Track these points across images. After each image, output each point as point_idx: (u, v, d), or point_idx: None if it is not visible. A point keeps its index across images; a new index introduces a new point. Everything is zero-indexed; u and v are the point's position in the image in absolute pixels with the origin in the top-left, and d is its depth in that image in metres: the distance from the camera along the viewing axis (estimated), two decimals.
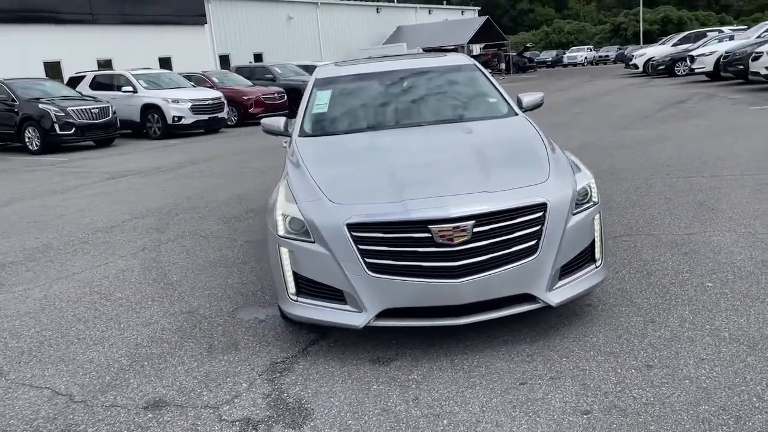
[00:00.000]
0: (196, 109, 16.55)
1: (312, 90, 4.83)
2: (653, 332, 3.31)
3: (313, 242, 3.24)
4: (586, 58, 57.28)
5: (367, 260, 3.13)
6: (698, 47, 23.72)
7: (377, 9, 40.31)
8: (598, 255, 3.48)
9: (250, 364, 3.38)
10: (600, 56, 57.58)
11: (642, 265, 4.30)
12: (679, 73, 24.77)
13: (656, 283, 3.97)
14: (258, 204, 7.40)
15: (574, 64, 56.89)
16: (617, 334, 3.33)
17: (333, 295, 3.26)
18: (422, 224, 3.08)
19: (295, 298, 3.37)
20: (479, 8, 51.94)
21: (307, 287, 3.34)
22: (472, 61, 5.20)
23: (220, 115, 17.32)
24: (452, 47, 33.29)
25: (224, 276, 4.87)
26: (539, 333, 3.42)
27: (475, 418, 2.69)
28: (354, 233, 3.15)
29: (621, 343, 3.22)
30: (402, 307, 3.17)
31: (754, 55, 15.98)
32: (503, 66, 41.49)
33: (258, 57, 32.79)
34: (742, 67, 17.53)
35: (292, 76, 21.51)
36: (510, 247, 3.16)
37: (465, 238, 3.07)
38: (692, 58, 22.33)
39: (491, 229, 3.13)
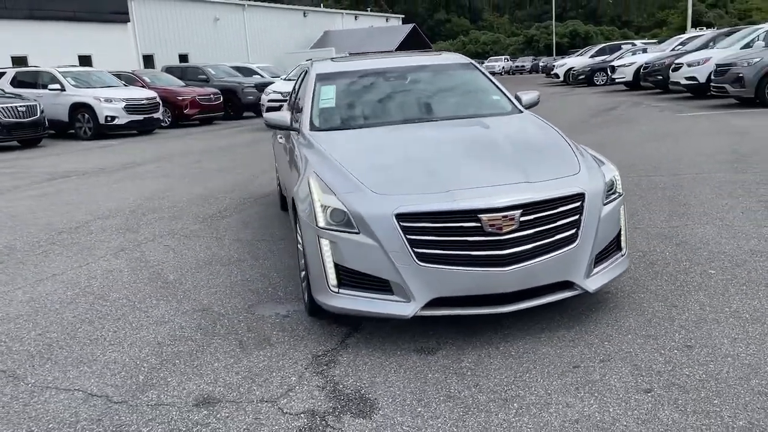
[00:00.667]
0: (130, 108, 15.95)
1: (315, 85, 4.79)
2: (679, 316, 3.49)
3: (358, 233, 3.23)
4: (503, 67, 59.21)
5: (416, 250, 3.15)
6: (615, 59, 25.02)
7: (304, 13, 40.14)
8: (623, 244, 3.64)
9: (290, 358, 3.32)
10: (516, 66, 59.68)
11: (642, 256, 4.52)
12: (599, 83, 26.02)
13: (662, 271, 4.19)
14: (229, 203, 7.24)
15: (493, 73, 58.55)
16: (646, 318, 3.49)
17: (378, 285, 3.25)
18: (472, 213, 3.14)
19: (336, 289, 3.34)
20: (403, 16, 52.65)
21: (350, 278, 3.31)
22: (469, 60, 5.31)
23: (155, 115, 16.77)
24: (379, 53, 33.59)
25: (225, 274, 4.75)
26: (573, 319, 3.53)
27: (543, 400, 2.76)
28: (402, 223, 3.16)
29: (654, 326, 3.38)
30: (449, 297, 3.20)
31: (674, 66, 17.02)
32: None
33: (183, 57, 31.93)
34: (661, 77, 18.63)
35: (226, 78, 21.09)
36: (553, 236, 3.26)
37: (513, 227, 3.15)
38: (613, 69, 23.51)
39: (536, 219, 3.22)
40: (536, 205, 3.21)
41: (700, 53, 16.59)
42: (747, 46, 15.75)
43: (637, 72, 21.26)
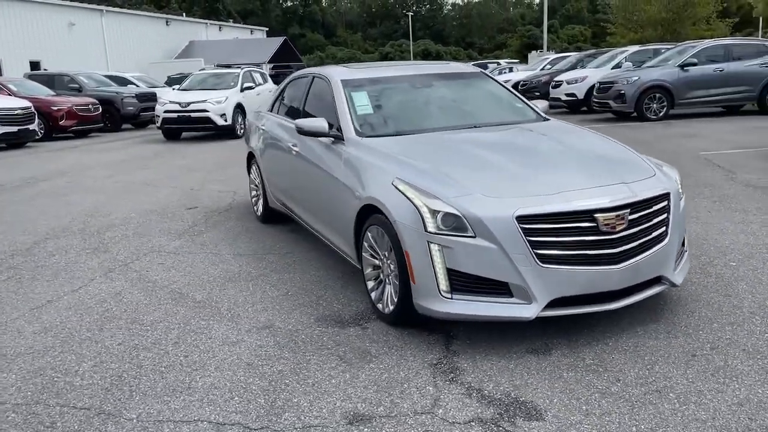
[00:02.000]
0: (3, 119, 14.39)
1: (344, 92, 4.67)
2: (741, 304, 3.82)
3: (474, 236, 3.22)
4: None
5: (537, 251, 3.21)
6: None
7: (167, 21, 38.38)
8: (685, 241, 3.93)
9: (407, 368, 3.23)
10: None
11: None
12: None
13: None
14: (195, 218, 6.80)
15: None
16: (716, 307, 3.79)
17: (496, 288, 3.27)
18: (589, 214, 3.25)
19: (449, 295, 3.30)
20: (267, 29, 52.02)
21: (464, 283, 3.29)
22: (479, 69, 5.44)
23: (30, 126, 15.26)
24: (254, 65, 32.82)
25: (257, 290, 4.48)
26: (651, 313, 3.73)
27: (693, 388, 2.92)
28: (523, 225, 3.20)
29: (730, 314, 3.68)
30: (566, 297, 3.29)
31: (554, 83, 18.37)
32: None
33: (35, 65, 29.31)
34: (539, 93, 20.00)
35: (101, 87, 19.64)
36: (651, 234, 3.46)
37: (623, 226, 3.31)
38: None
39: (639, 217, 3.40)
40: (639, 204, 3.40)
41: (578, 72, 18.06)
42: (617, 66, 17.38)
43: (515, 88, 22.62)
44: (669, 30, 24.26)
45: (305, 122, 4.49)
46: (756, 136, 11.17)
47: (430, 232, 3.29)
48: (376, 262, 3.86)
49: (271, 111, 6.19)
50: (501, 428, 2.68)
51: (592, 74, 17.29)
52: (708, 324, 3.57)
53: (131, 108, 19.05)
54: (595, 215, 3.26)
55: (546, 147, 4.04)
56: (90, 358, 3.49)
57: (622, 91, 14.46)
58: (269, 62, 33.15)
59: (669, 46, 17.42)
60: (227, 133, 15.36)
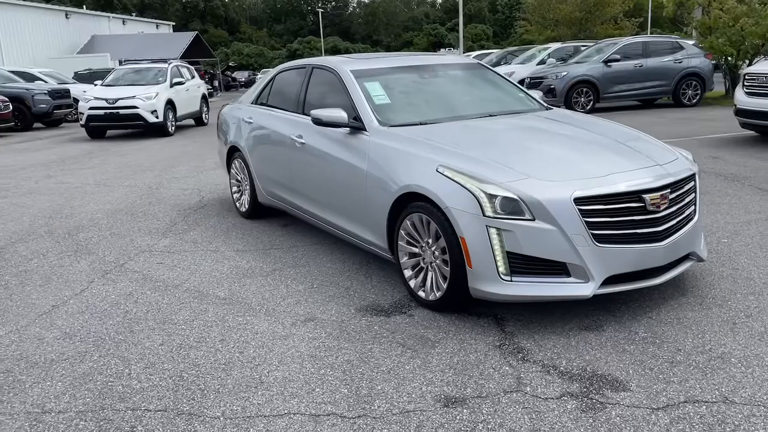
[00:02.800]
0: None
1: (357, 81, 4.65)
2: (751, 275, 4.12)
3: (533, 219, 3.32)
4: None
5: (593, 232, 3.35)
6: None
7: (66, 14, 36.23)
8: None
9: (474, 351, 3.28)
10: None
11: None
12: None
13: None
14: (172, 216, 6.54)
15: None
16: (731, 280, 4.07)
17: (554, 269, 3.37)
18: (638, 194, 3.43)
19: (508, 278, 3.38)
20: (173, 23, 50.20)
21: (522, 265, 3.38)
22: (477, 60, 5.55)
23: None
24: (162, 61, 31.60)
25: (280, 284, 4.39)
26: (677, 288, 3.96)
27: (751, 351, 3.14)
28: (580, 207, 3.33)
29: (746, 285, 3.97)
30: (617, 274, 3.44)
31: None
32: (216, 83, 40.90)
33: None
34: None
35: (9, 84, 18.37)
36: (685, 212, 3.68)
37: (666, 205, 3.51)
38: None
39: (676, 197, 3.62)
40: (676, 184, 3.61)
41: (505, 68, 18.63)
42: (542, 62, 18.09)
43: None
44: (582, 28, 25.56)
45: (322, 113, 4.43)
46: (681, 126, 11.97)
47: (489, 217, 3.35)
48: (415, 249, 3.88)
49: (256, 104, 6.04)
50: (594, 400, 2.78)
51: (519, 70, 17.91)
52: (732, 295, 3.83)
53: (43, 106, 17.94)
54: (644, 195, 3.43)
55: (572, 133, 4.19)
56: (136, 361, 3.32)
57: (552, 86, 15.07)
58: (181, 58, 32.01)
59: (589, 43, 18.30)
60: (157, 130, 14.75)
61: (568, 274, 3.37)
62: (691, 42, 16.26)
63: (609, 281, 3.43)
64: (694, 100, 15.71)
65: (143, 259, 5.09)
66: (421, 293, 3.86)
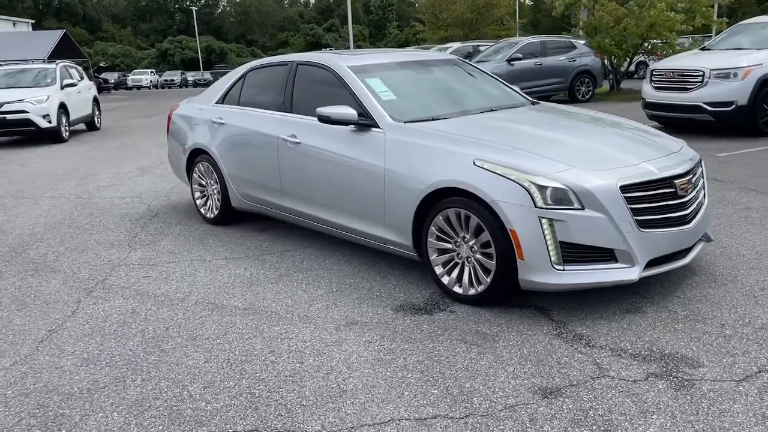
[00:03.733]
0: None
1: (358, 78, 4.54)
2: (748, 254, 4.45)
3: (583, 208, 3.41)
4: (150, 81, 56.90)
5: (636, 218, 3.49)
6: None
7: None
8: None
9: (538, 342, 3.32)
10: (166, 80, 58.00)
11: None
12: None
13: None
14: (126, 227, 6.07)
15: (139, 87, 55.79)
16: (731, 258, 4.37)
17: (601, 256, 3.48)
18: (670, 180, 3.62)
19: (561, 267, 3.44)
20: (32, 21, 46.52)
21: (573, 254, 3.45)
22: (455, 56, 5.59)
23: None
24: (28, 61, 29.20)
25: (297, 290, 4.21)
26: (685, 269, 4.19)
27: None
28: (625, 194, 3.46)
29: (745, 263, 4.27)
30: (656, 257, 3.61)
31: None
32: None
33: None
34: None
35: None
36: (699, 195, 3.93)
37: (690, 189, 3.72)
38: None
39: (693, 182, 3.84)
40: (692, 170, 3.83)
41: None
42: None
43: None
44: (472, 29, 26.51)
45: (330, 110, 4.29)
46: None
47: (541, 208, 3.40)
48: (447, 245, 3.85)
49: (223, 103, 5.74)
50: (680, 378, 2.89)
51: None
52: (737, 271, 4.13)
53: None
54: (675, 181, 3.61)
55: (583, 124, 4.34)
56: (190, 381, 3.06)
57: None
58: (49, 58, 29.73)
59: (488, 43, 18.98)
60: (50, 136, 13.61)
61: (616, 260, 3.48)
62: (582, 42, 17.31)
63: (648, 264, 3.58)
64: (587, 96, 16.74)
65: (124, 274, 4.68)
66: (457, 289, 3.84)
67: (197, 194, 6.09)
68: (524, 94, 5.26)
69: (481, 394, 2.84)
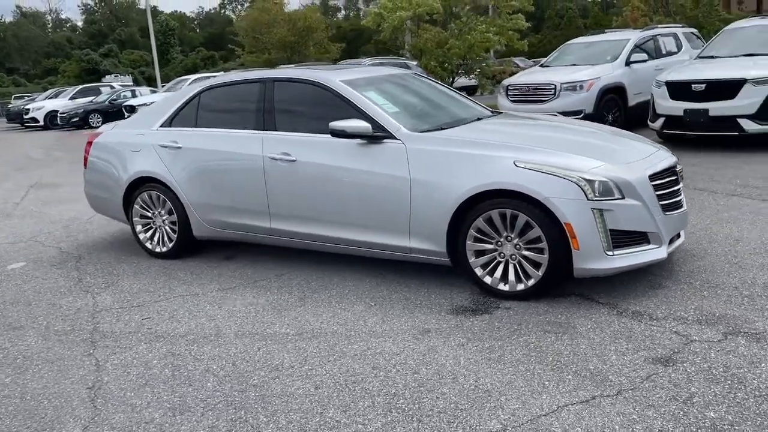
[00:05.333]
0: None
1: (355, 91, 4.54)
2: (717, 239, 5.18)
3: (623, 198, 3.80)
4: None
5: (660, 203, 3.97)
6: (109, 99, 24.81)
7: None
8: None
9: (614, 324, 3.60)
10: None
11: None
12: (95, 125, 25.11)
13: None
14: (63, 272, 5.34)
15: None
16: (708, 233, 5.06)
17: (638, 239, 3.89)
18: (674, 168, 4.16)
19: (611, 253, 3.79)
20: None
21: (618, 240, 3.82)
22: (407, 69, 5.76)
23: None
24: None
25: (336, 308, 4.08)
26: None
27: None
28: (652, 183, 3.93)
29: (729, 249, 4.99)
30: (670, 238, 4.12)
31: None
32: None
33: None
34: None
35: None
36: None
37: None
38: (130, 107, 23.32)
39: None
40: (678, 162, 4.43)
41: None
42: None
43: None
44: (294, 51, 26.66)
45: (344, 124, 4.25)
46: None
47: (592, 200, 3.72)
48: (487, 246, 4.02)
49: (170, 126, 5.33)
50: (750, 334, 3.33)
51: None
52: (709, 245, 4.79)
53: None
54: (676, 168, 4.16)
55: (571, 127, 4.76)
56: (321, 408, 2.89)
57: None
58: None
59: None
60: None
61: (648, 242, 3.91)
62: (414, 63, 18.37)
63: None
64: None
65: (114, 320, 4.17)
66: (503, 287, 4.01)
67: (138, 227, 5.54)
68: (484, 105, 5.60)
69: (610, 371, 3.04)
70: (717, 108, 8.65)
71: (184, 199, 5.14)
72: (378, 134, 4.30)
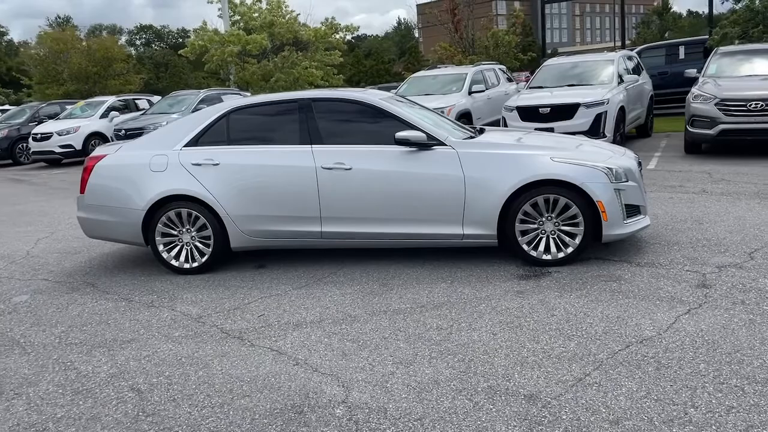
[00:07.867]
0: None
1: (400, 108, 5.40)
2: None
3: (628, 180, 5.18)
4: None
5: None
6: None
7: None
8: None
9: (645, 274, 4.89)
10: None
11: None
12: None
13: None
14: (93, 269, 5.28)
15: None
16: (672, 208, 6.65)
17: (633, 210, 5.24)
18: (640, 161, 5.68)
19: (627, 221, 5.11)
20: None
21: (627, 211, 5.16)
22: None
23: None
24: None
25: (417, 295, 4.85)
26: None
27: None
28: (639, 169, 5.38)
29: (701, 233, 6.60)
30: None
31: (39, 135, 17.10)
32: None
33: None
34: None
35: None
36: None
37: None
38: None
39: None
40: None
41: (69, 122, 17.35)
42: (104, 115, 17.69)
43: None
44: (96, 82, 25.00)
45: (408, 134, 5.07)
46: None
47: (613, 183, 5.02)
48: (531, 226, 5.11)
49: (197, 145, 5.59)
50: (737, 265, 4.84)
51: (85, 124, 17.16)
52: (679, 223, 6.38)
53: None
54: (640, 161, 5.68)
55: (556, 136, 6.07)
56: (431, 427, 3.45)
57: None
58: None
59: (144, 97, 18.77)
60: None
61: (640, 213, 5.30)
62: (248, 94, 18.88)
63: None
64: None
65: (227, 321, 4.46)
66: (546, 256, 5.11)
67: (161, 247, 5.65)
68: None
69: (677, 297, 4.27)
70: (560, 126, 10.69)
71: (222, 213, 5.42)
72: (431, 142, 5.17)
